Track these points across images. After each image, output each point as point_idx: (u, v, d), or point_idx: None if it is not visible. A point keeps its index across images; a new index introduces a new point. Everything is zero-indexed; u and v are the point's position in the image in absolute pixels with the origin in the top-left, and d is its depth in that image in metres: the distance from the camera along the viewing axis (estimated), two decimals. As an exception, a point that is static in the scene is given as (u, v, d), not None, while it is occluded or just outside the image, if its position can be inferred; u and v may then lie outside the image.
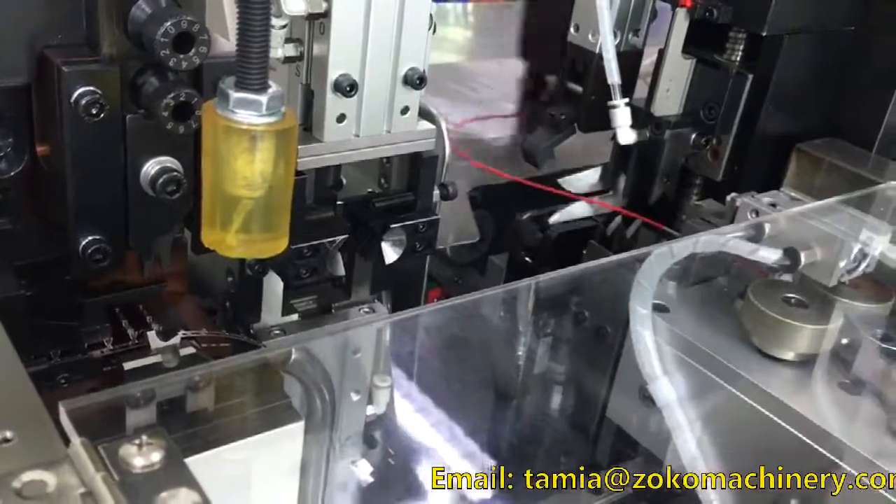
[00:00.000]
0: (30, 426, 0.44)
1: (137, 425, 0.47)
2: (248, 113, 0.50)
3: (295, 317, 0.84)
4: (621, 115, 0.92)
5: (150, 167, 0.64)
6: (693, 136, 0.95)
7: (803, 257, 0.77)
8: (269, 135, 0.50)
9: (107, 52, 0.60)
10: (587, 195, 1.04)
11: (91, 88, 0.59)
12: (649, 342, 0.77)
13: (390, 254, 0.81)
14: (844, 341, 0.80)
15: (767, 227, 0.79)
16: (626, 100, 0.91)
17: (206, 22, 0.62)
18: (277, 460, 0.62)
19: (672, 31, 0.93)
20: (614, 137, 0.95)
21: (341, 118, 0.74)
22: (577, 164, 1.09)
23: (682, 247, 0.77)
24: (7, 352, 0.49)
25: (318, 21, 0.71)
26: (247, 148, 0.50)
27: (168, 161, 0.64)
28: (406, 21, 0.73)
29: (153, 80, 0.61)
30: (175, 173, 0.64)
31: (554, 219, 1.04)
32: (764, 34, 0.88)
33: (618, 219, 1.02)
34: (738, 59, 0.93)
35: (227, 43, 0.69)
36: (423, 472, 0.89)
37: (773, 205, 0.87)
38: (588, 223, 1.04)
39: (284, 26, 0.70)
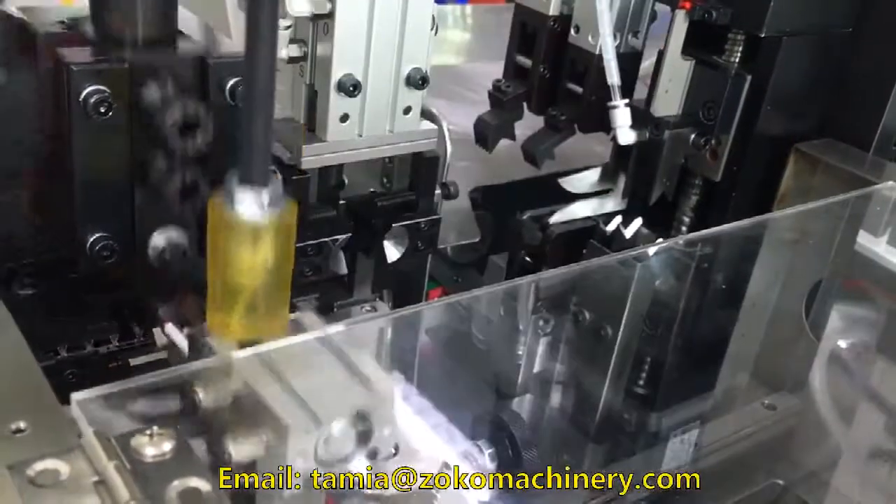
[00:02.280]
0: (42, 417, 0.45)
1: (147, 416, 0.47)
2: (251, 208, 0.49)
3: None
4: (621, 116, 0.92)
5: (158, 165, 0.65)
6: (692, 136, 0.96)
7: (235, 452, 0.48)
8: (271, 228, 0.50)
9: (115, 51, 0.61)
10: (588, 195, 1.05)
11: (99, 87, 0.60)
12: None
13: (392, 252, 0.82)
14: None
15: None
16: (626, 100, 0.92)
17: (209, 21, 0.63)
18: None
19: (671, 32, 0.93)
20: (614, 138, 0.96)
21: (344, 118, 0.75)
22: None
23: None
24: (19, 345, 0.50)
25: (322, 22, 0.72)
26: (249, 241, 0.50)
27: (175, 159, 0.65)
28: (409, 21, 0.74)
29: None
30: (182, 171, 0.64)
31: (554, 219, 1.05)
32: (762, 35, 0.89)
33: (617, 219, 1.03)
34: (737, 60, 0.93)
35: (231, 43, 0.70)
36: (424, 470, 0.89)
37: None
38: (588, 223, 1.05)
39: (289, 27, 0.71)
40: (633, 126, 0.93)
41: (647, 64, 0.99)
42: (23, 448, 0.42)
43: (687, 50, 0.94)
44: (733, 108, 0.93)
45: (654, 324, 0.91)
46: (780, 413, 0.94)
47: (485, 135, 1.03)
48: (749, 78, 0.92)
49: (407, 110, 0.78)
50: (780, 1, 0.88)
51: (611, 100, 0.92)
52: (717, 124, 0.95)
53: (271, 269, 0.51)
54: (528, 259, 1.09)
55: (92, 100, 0.60)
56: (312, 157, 0.74)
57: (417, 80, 0.77)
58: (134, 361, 0.71)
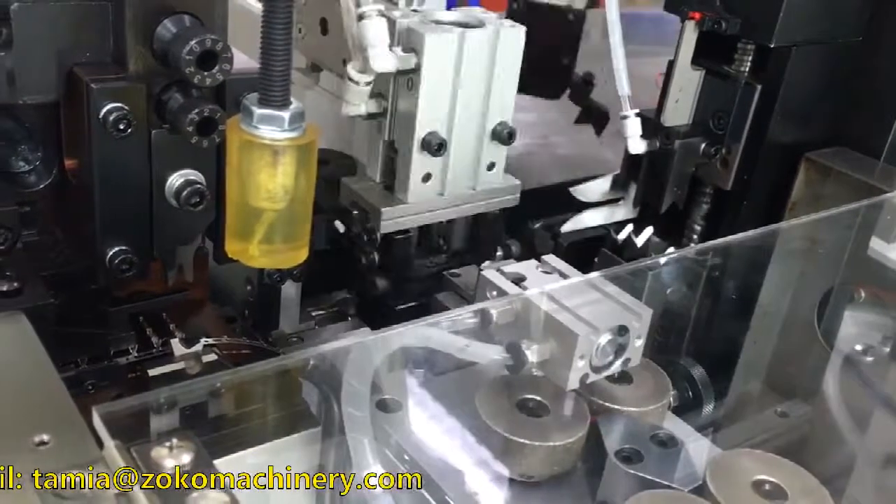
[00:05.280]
0: (65, 430, 0.46)
1: (166, 428, 0.48)
2: (271, 128, 0.51)
3: (311, 324, 0.85)
4: (632, 126, 0.93)
5: (175, 180, 0.66)
6: (703, 145, 0.97)
7: (531, 354, 0.60)
8: (291, 149, 0.52)
9: (133, 69, 0.62)
10: (599, 204, 1.05)
11: (118, 104, 0.61)
12: (368, 452, 0.62)
13: None
14: (590, 460, 0.66)
15: (495, 315, 0.62)
16: (637, 110, 0.93)
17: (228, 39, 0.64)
18: (295, 464, 0.63)
19: (681, 42, 0.94)
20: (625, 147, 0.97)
21: (427, 177, 0.71)
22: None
23: (387, 339, 0.62)
24: (42, 359, 0.51)
25: (406, 77, 0.68)
26: (269, 162, 0.52)
27: (192, 174, 0.66)
28: (496, 73, 0.70)
29: (178, 96, 0.63)
30: (198, 186, 0.66)
31: (566, 227, 1.05)
32: (772, 46, 0.90)
33: (629, 227, 1.03)
34: (747, 69, 0.94)
35: (247, 59, 0.71)
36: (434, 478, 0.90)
37: (521, 280, 0.69)
38: (599, 232, 1.06)
39: (370, 83, 0.68)
40: (644, 135, 0.94)
41: (656, 72, 1.00)
42: (46, 460, 0.43)
43: (697, 60, 0.95)
44: (743, 118, 0.94)
45: (666, 332, 0.91)
46: (793, 421, 0.93)
47: None
48: (759, 87, 0.92)
49: (491, 166, 0.74)
50: (790, 11, 0.88)
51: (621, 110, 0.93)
52: (728, 134, 0.95)
53: (291, 194, 0.52)
54: (540, 267, 1.09)
55: (111, 117, 0.61)
56: (390, 221, 0.70)
57: (504, 135, 0.73)
58: (152, 371, 0.72)
